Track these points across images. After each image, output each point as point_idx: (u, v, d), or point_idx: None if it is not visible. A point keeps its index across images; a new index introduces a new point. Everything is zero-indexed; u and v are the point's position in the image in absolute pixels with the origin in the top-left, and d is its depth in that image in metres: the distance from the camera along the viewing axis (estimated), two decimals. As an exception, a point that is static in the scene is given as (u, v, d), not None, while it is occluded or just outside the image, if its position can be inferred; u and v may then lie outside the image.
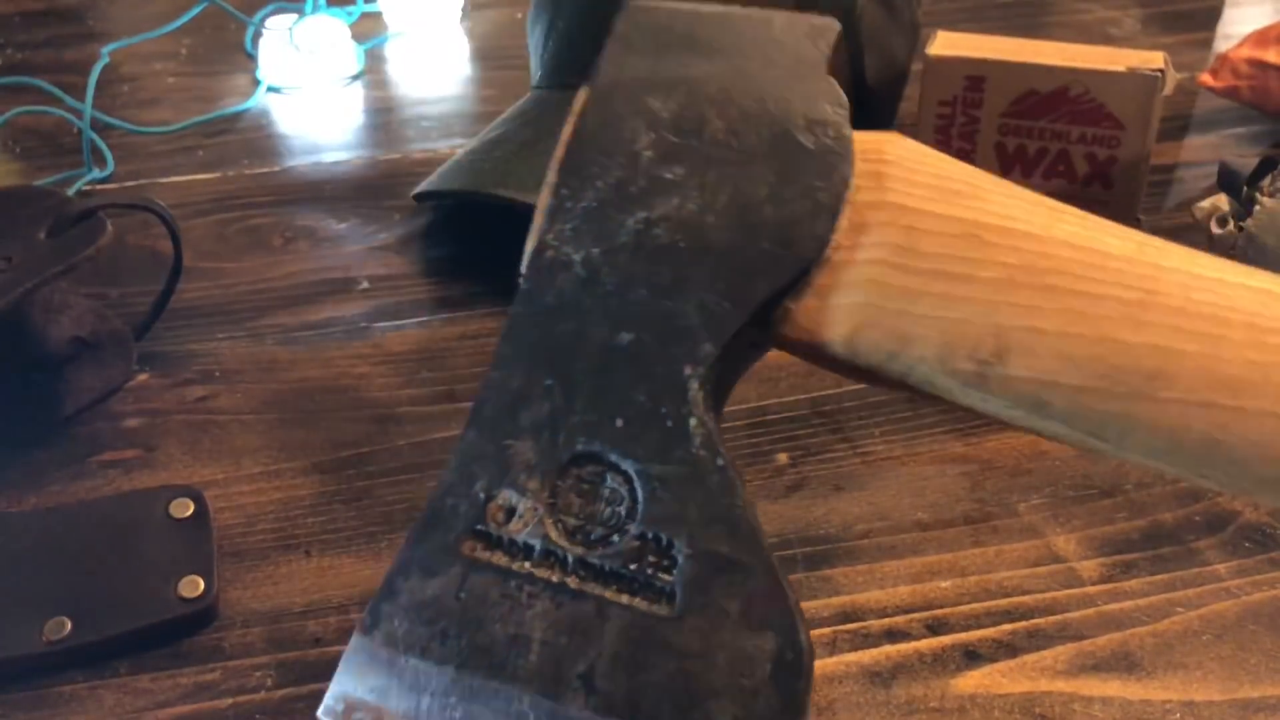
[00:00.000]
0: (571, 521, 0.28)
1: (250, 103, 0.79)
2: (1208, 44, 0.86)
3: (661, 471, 0.27)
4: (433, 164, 0.70)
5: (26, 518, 0.45)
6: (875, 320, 0.28)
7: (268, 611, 0.42)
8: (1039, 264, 0.27)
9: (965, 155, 0.63)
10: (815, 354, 0.29)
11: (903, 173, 0.29)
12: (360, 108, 0.80)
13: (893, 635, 0.40)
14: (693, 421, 0.28)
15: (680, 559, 0.27)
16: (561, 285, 0.29)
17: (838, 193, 0.28)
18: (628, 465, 0.28)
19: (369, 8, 0.93)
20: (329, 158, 0.73)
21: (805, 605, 0.41)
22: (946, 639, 0.40)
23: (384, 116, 0.78)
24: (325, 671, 0.39)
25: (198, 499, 0.44)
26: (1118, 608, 0.41)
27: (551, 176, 0.31)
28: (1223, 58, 0.71)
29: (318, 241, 0.64)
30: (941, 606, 0.41)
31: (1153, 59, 0.60)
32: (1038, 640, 0.40)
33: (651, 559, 0.27)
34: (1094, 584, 0.42)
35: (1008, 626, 0.41)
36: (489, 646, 0.27)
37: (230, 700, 0.38)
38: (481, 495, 0.28)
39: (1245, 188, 0.53)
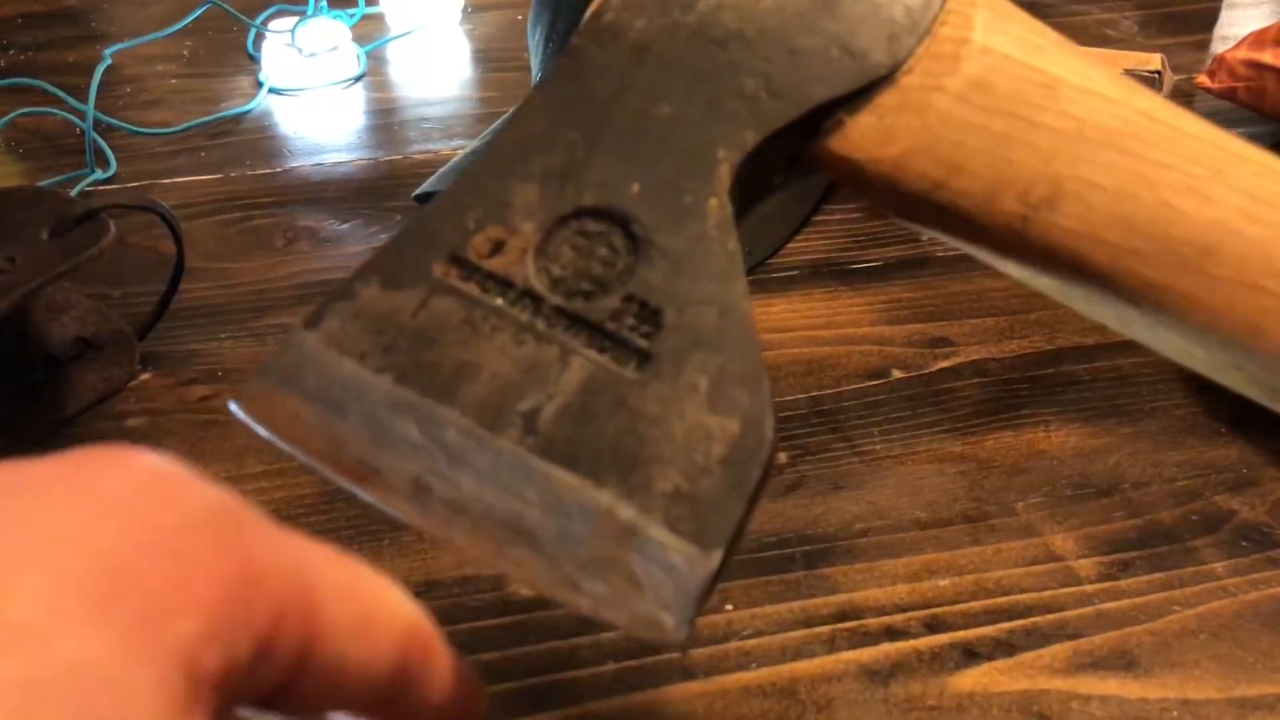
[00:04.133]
0: (557, 271, 0.26)
1: (252, 104, 0.80)
2: (1205, 45, 0.86)
3: (667, 242, 0.26)
4: (434, 165, 0.70)
5: (30, 517, 0.45)
6: (929, 146, 0.28)
7: (270, 610, 0.42)
8: (1110, 124, 0.27)
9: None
10: (855, 175, 0.28)
11: (993, 19, 0.28)
12: (361, 109, 0.80)
13: (891, 634, 0.41)
14: (713, 201, 0.26)
15: (662, 328, 0.25)
16: (612, 49, 0.28)
17: (924, 18, 0.28)
18: (634, 228, 0.26)
19: (370, 9, 0.94)
20: (330, 159, 0.73)
21: (803, 604, 0.42)
22: (944, 637, 0.40)
23: (385, 118, 0.79)
24: (327, 669, 0.39)
25: (200, 498, 0.45)
26: (1115, 606, 0.41)
27: None
28: (1220, 59, 0.72)
29: (319, 242, 0.64)
30: (940, 605, 0.42)
31: (1150, 60, 0.60)
32: (1035, 639, 0.40)
33: (631, 321, 0.25)
34: (1092, 583, 0.42)
35: (1006, 625, 0.41)
36: (434, 365, 0.25)
37: (232, 698, 0.39)
38: (470, 225, 0.27)
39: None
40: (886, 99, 0.28)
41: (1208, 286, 0.25)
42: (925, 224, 0.29)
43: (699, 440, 0.24)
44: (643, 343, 0.25)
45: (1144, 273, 0.26)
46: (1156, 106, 0.27)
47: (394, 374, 0.25)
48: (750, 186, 0.28)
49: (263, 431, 0.25)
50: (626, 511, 0.23)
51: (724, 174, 0.27)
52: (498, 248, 0.26)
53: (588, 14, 0.29)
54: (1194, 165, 0.26)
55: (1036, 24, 0.29)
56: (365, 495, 0.24)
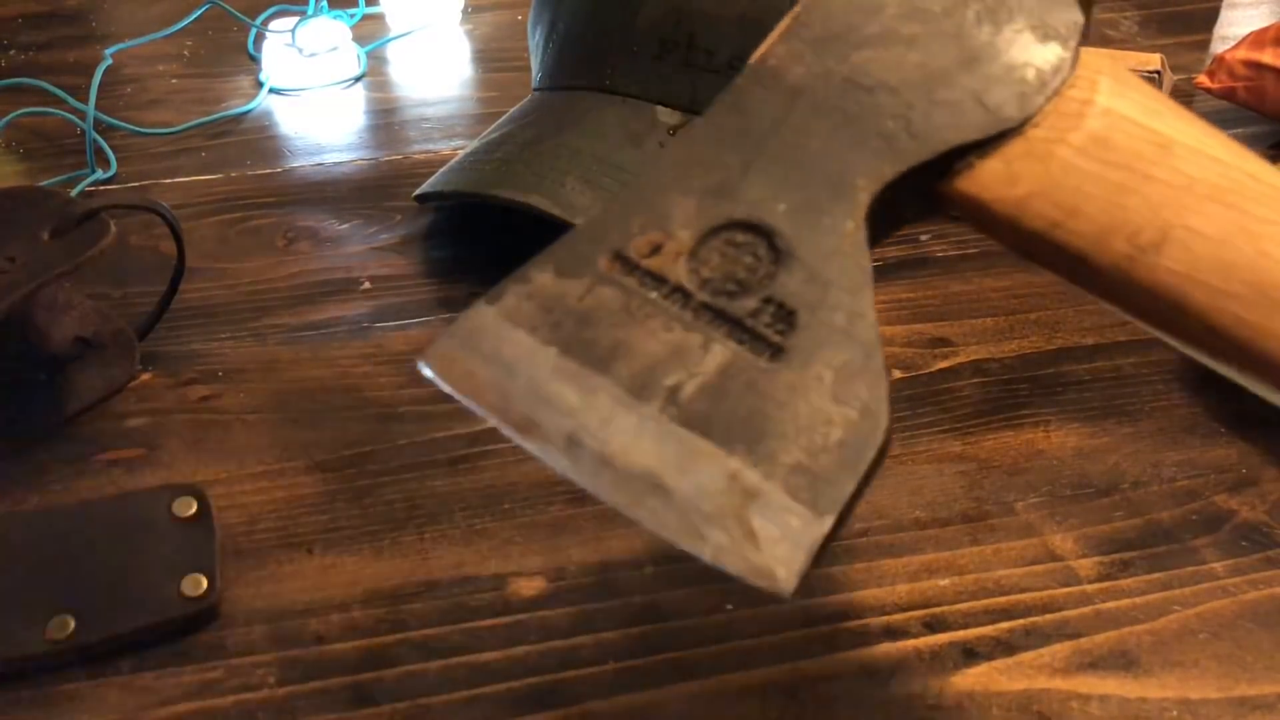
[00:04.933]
0: (706, 272, 0.30)
1: (253, 104, 0.80)
2: (1204, 45, 0.86)
3: (806, 254, 0.30)
4: (434, 165, 0.70)
5: (30, 517, 0.45)
6: (1050, 190, 0.30)
7: (270, 610, 0.42)
8: (1217, 181, 0.30)
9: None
10: (981, 213, 0.31)
11: (1116, 86, 0.32)
12: (362, 109, 0.80)
13: (891, 633, 0.41)
14: (850, 224, 0.30)
15: (795, 327, 0.29)
16: (773, 90, 0.32)
17: (1054, 81, 0.31)
18: (777, 241, 0.30)
19: (370, 10, 0.94)
20: (331, 159, 0.73)
21: (803, 603, 0.42)
22: (944, 637, 0.40)
23: (385, 118, 0.79)
24: (328, 669, 0.40)
25: (200, 498, 0.45)
26: (1115, 606, 0.42)
27: (797, 8, 0.34)
28: (1219, 59, 0.72)
29: (320, 242, 0.64)
30: (939, 605, 0.42)
31: (1149, 60, 0.60)
32: (1035, 638, 0.40)
33: (767, 319, 0.29)
34: (1091, 582, 0.42)
35: (1005, 625, 0.41)
36: (594, 342, 0.29)
37: (233, 698, 0.39)
38: (634, 228, 0.31)
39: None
40: (1014, 147, 0.31)
41: None
42: (1042, 261, 0.32)
43: (820, 424, 0.27)
44: (777, 338, 0.29)
45: (1240, 314, 0.28)
46: (1262, 169, 0.30)
47: (559, 346, 0.29)
48: (884, 216, 0.32)
49: (445, 387, 0.29)
50: (751, 476, 0.27)
51: (862, 201, 0.30)
52: (656, 249, 0.30)
53: (753, 59, 0.33)
54: None
55: (1156, 92, 0.32)
56: (525, 444, 0.28)
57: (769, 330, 0.29)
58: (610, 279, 0.30)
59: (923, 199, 0.33)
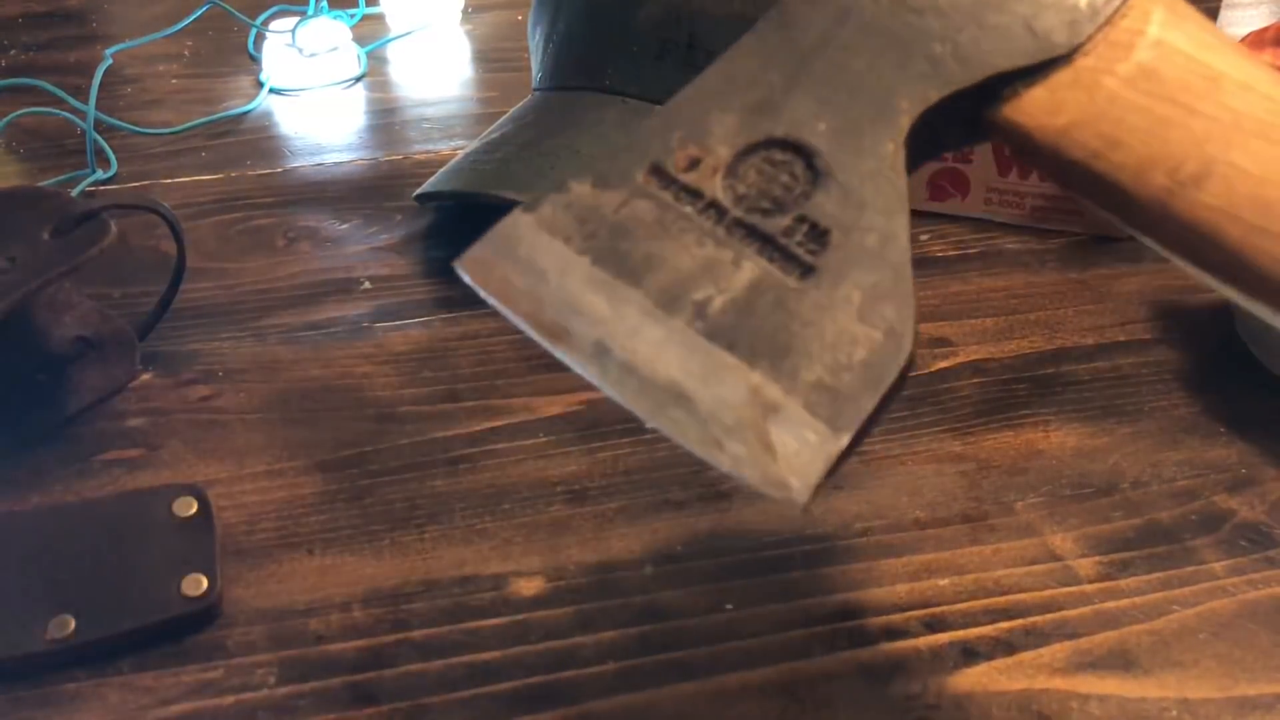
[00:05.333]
0: (742, 189, 0.30)
1: (253, 104, 0.80)
2: (1206, 46, 0.86)
3: (843, 174, 0.30)
4: (434, 165, 0.70)
5: (30, 516, 0.45)
6: (1093, 121, 0.30)
7: (270, 610, 0.42)
8: (1266, 119, 0.29)
9: (962, 156, 0.64)
10: (1023, 141, 0.31)
11: (1170, 17, 0.31)
12: (362, 109, 0.80)
13: (891, 633, 0.41)
14: (889, 145, 0.30)
15: (827, 247, 0.29)
16: (820, 7, 0.32)
17: (1106, 9, 0.31)
18: (815, 160, 0.30)
19: (370, 10, 0.94)
20: (331, 159, 0.73)
21: (803, 603, 0.42)
22: (944, 637, 0.40)
23: (386, 118, 0.79)
24: (328, 669, 0.40)
25: (201, 498, 0.45)
26: (1114, 606, 0.42)
27: None
28: (1221, 59, 0.72)
29: (320, 242, 0.64)
30: (939, 604, 0.42)
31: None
32: (1035, 638, 0.40)
33: (800, 238, 0.29)
34: (1091, 582, 0.43)
35: (1005, 624, 0.41)
36: (627, 254, 0.29)
37: (233, 698, 0.39)
38: (674, 143, 0.31)
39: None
40: (1061, 76, 0.31)
41: None
42: (1080, 191, 0.31)
43: (845, 343, 0.28)
44: (808, 258, 0.29)
45: (1275, 252, 0.28)
46: None
47: (592, 255, 0.29)
48: (926, 140, 0.31)
49: (481, 292, 0.29)
50: (773, 390, 0.27)
51: (904, 123, 0.30)
52: (694, 164, 0.30)
53: None
54: None
55: (1210, 24, 0.32)
56: (555, 350, 0.28)
57: (801, 249, 0.29)
58: (647, 192, 0.30)
59: (965, 124, 0.32)
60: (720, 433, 0.26)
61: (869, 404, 0.27)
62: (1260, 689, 0.39)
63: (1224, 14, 0.92)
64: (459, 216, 0.66)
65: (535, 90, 0.66)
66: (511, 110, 0.65)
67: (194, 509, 0.44)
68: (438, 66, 0.87)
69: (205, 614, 0.41)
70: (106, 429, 0.50)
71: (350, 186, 0.70)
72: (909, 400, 0.51)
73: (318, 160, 0.73)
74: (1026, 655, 0.40)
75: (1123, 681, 0.39)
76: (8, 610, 0.40)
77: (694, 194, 0.30)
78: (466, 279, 0.29)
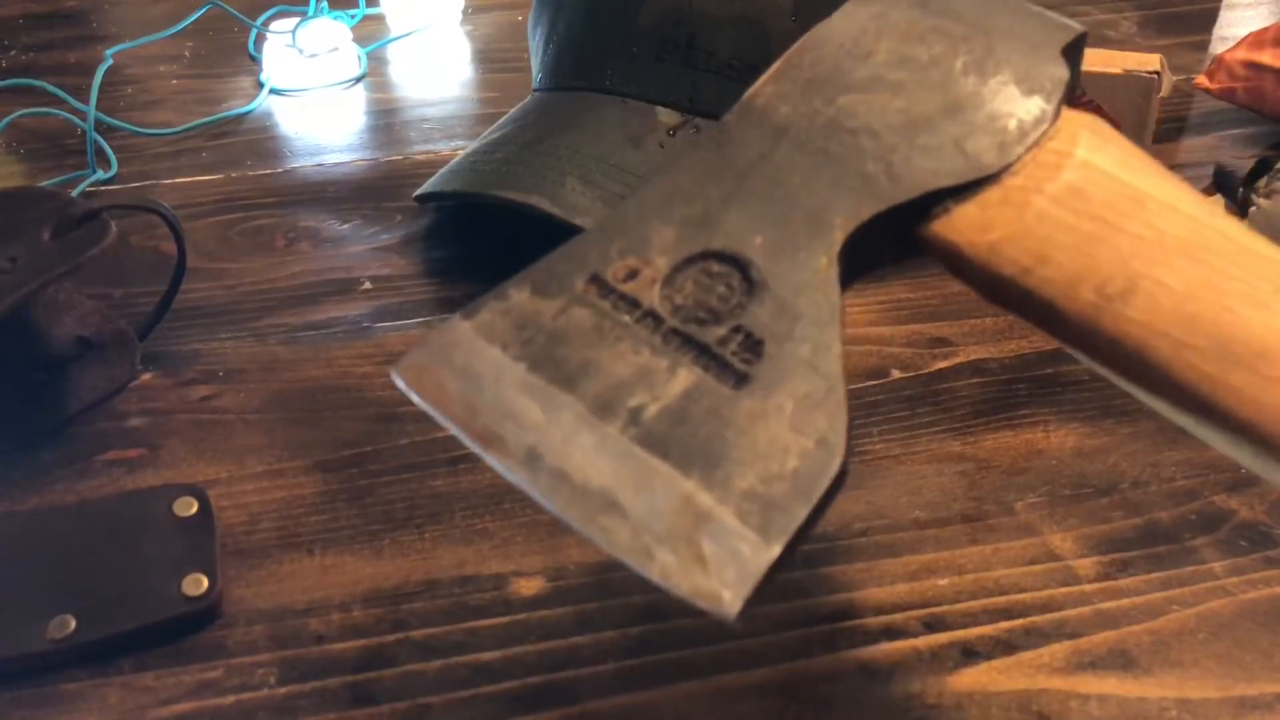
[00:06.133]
0: (679, 299, 0.30)
1: (253, 105, 0.80)
2: (1204, 46, 0.86)
3: (778, 287, 0.30)
4: (434, 165, 0.70)
5: (30, 516, 0.45)
6: (1022, 237, 0.31)
7: (270, 609, 0.42)
8: (1189, 238, 0.30)
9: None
10: (954, 256, 0.32)
11: (1095, 140, 0.32)
12: (362, 109, 0.80)
13: (890, 633, 0.41)
14: (823, 260, 0.31)
15: (761, 357, 0.29)
16: (758, 128, 0.33)
17: (1034, 133, 0.32)
18: (751, 273, 0.31)
19: (371, 10, 0.94)
20: (331, 159, 0.73)
21: (803, 603, 0.42)
22: (944, 636, 0.40)
23: (386, 118, 0.79)
24: (328, 669, 0.40)
25: (201, 498, 0.45)
26: (1114, 606, 0.42)
27: (790, 52, 0.35)
28: (1219, 60, 0.72)
29: (320, 242, 0.64)
30: (939, 604, 0.42)
31: (1149, 61, 0.60)
32: (1034, 638, 0.40)
33: (735, 348, 0.30)
34: (1090, 582, 0.43)
35: (1005, 624, 0.41)
36: (563, 361, 0.30)
37: (233, 698, 0.39)
38: (614, 254, 0.31)
39: (1241, 189, 0.53)
40: (991, 194, 0.32)
41: (1258, 385, 0.28)
42: (1011, 306, 0.32)
43: (777, 452, 0.28)
44: (742, 366, 0.29)
45: (1200, 366, 0.29)
46: (1234, 228, 0.31)
47: (528, 362, 0.30)
48: (859, 256, 0.32)
49: (414, 397, 0.29)
50: (705, 499, 0.27)
51: (837, 238, 0.31)
52: (633, 275, 0.31)
53: (743, 98, 0.34)
54: (1259, 279, 0.29)
55: (1134, 149, 0.33)
56: (486, 456, 0.28)
57: (735, 359, 0.29)
58: (585, 300, 0.31)
59: (898, 240, 0.33)
60: (651, 542, 0.26)
61: (800, 514, 0.27)
62: (1260, 689, 0.39)
63: (1224, 14, 0.92)
64: (459, 216, 0.66)
65: (535, 90, 0.66)
66: (511, 110, 0.65)
67: (194, 509, 0.44)
68: (438, 67, 0.87)
69: (205, 614, 0.41)
70: (106, 429, 0.50)
71: (350, 187, 0.70)
72: (909, 400, 0.52)
73: (318, 160, 0.73)
74: (1026, 655, 0.40)
75: (1122, 681, 0.39)
76: (8, 610, 0.40)
77: (632, 303, 0.30)
78: (401, 385, 0.30)
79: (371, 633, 0.41)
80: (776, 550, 0.26)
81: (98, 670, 0.40)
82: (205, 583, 0.41)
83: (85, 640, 0.40)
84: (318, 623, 0.41)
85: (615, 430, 0.28)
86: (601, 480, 0.27)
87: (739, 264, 0.31)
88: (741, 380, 0.29)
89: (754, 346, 0.29)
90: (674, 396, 0.29)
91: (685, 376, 0.29)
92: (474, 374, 0.29)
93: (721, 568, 0.26)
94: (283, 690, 0.39)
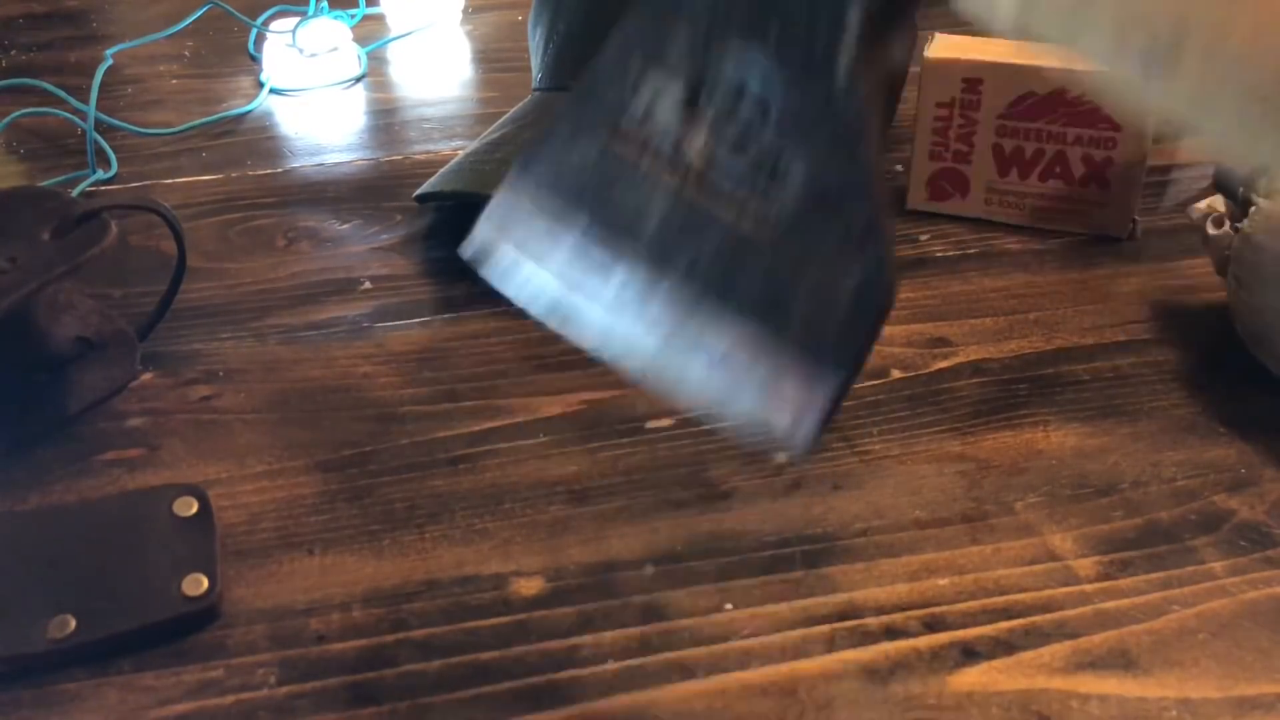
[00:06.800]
0: (701, 141, 0.30)
1: (253, 105, 0.80)
2: (1206, 46, 0.86)
3: (799, 95, 0.30)
4: (434, 165, 0.70)
5: (30, 516, 0.45)
6: None
7: (271, 609, 0.42)
8: None
9: (962, 157, 0.64)
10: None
11: None
12: (362, 109, 0.80)
13: (891, 633, 0.41)
14: (845, 50, 0.29)
15: (792, 188, 0.29)
16: None
17: None
18: (773, 80, 0.30)
19: (371, 10, 0.94)
20: (331, 159, 0.73)
21: (803, 604, 0.42)
22: (944, 636, 0.40)
23: (386, 118, 0.79)
24: (327, 669, 0.40)
25: (201, 497, 0.45)
26: (1114, 606, 0.42)
27: None
28: (1221, 59, 0.72)
29: (320, 242, 0.64)
30: (939, 604, 0.42)
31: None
32: (1035, 638, 0.40)
33: (764, 184, 0.30)
34: (1091, 582, 0.43)
35: (1005, 624, 0.41)
36: (619, 207, 0.30)
37: (233, 698, 0.39)
38: (630, 88, 0.31)
39: (1241, 189, 0.53)
40: None
41: None
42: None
43: (827, 286, 0.29)
44: (773, 208, 0.29)
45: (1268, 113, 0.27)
46: None
47: (582, 225, 0.31)
48: (882, 21, 0.30)
49: (490, 281, 0.31)
50: (769, 337, 0.28)
51: (854, 19, 0.29)
52: (649, 116, 0.31)
53: None
54: None
55: None
56: (560, 330, 0.30)
57: (765, 199, 0.30)
58: (614, 150, 0.31)
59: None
60: (723, 385, 0.28)
61: (858, 341, 0.28)
62: (1260, 689, 0.39)
63: (1224, 14, 0.91)
64: (459, 216, 0.66)
65: (535, 90, 0.66)
66: (511, 110, 0.65)
67: (194, 509, 0.44)
68: (438, 66, 0.87)
69: (205, 614, 0.41)
70: (107, 429, 0.50)
71: (350, 186, 0.70)
72: (909, 400, 0.52)
73: (318, 160, 0.73)
74: (1026, 655, 0.40)
75: (1122, 681, 0.39)
76: (8, 610, 0.40)
77: (656, 151, 0.31)
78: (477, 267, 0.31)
79: (371, 633, 0.41)
80: (843, 375, 0.27)
81: (97, 670, 0.40)
82: (205, 583, 0.41)
83: (85, 640, 0.40)
84: (318, 623, 0.41)
85: (674, 281, 0.29)
86: (668, 331, 0.29)
87: (754, 75, 0.30)
88: (777, 226, 0.29)
89: (782, 176, 0.30)
90: (716, 248, 0.29)
91: (721, 229, 0.29)
92: (540, 233, 0.31)
93: (791, 399, 0.27)
94: (283, 690, 0.39)
